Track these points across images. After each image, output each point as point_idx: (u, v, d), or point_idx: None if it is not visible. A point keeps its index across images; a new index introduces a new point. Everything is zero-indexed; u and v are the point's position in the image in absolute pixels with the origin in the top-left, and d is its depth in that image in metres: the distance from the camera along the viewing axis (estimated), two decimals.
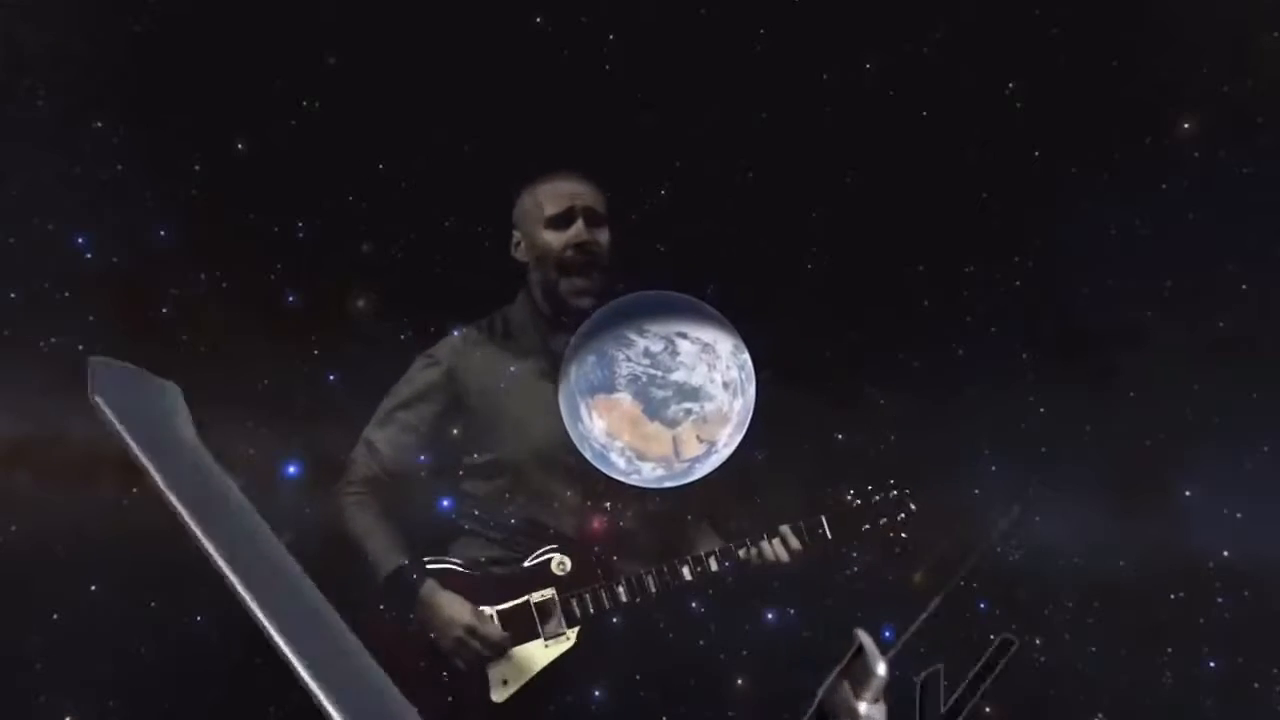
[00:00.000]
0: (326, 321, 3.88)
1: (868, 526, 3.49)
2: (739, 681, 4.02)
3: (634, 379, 2.73)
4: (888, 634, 4.06)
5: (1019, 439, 4.11)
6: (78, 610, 3.72)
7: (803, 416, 4.08)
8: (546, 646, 3.32)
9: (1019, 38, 4.05)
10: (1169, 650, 4.02)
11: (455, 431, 3.40)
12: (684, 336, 2.25)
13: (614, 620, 3.40)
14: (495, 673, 3.31)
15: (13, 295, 3.76)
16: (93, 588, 3.76)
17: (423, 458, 3.42)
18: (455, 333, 3.49)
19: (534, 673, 3.31)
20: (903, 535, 3.52)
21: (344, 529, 3.36)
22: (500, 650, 3.31)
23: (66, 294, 3.79)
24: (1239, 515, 3.97)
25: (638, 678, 3.92)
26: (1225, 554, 3.98)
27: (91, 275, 3.80)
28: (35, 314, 3.77)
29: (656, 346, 2.48)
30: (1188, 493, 4.01)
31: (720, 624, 4.00)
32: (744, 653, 4.03)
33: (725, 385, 2.47)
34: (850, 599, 4.08)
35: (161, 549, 3.72)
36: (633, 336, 2.56)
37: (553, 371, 3.41)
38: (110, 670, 3.74)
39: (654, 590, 3.35)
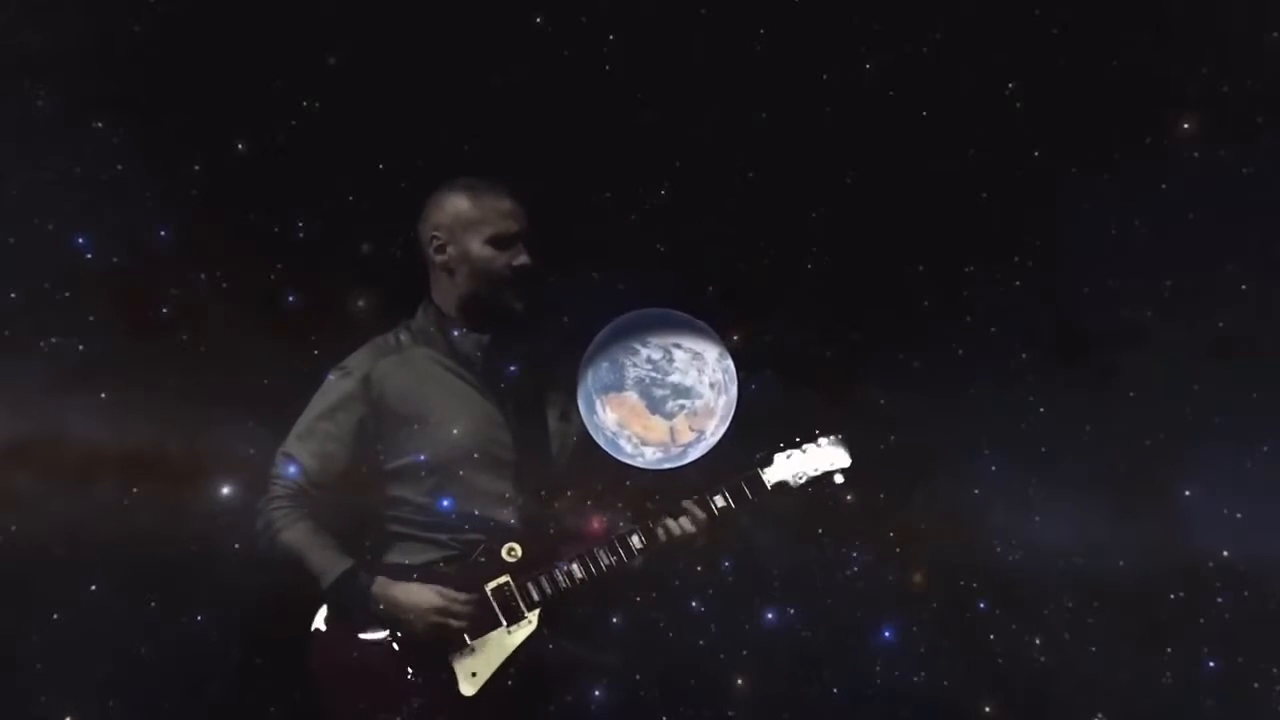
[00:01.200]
0: (326, 321, 3.88)
1: (801, 477, 3.44)
2: (739, 681, 4.03)
3: (639, 380, 3.12)
4: (888, 633, 4.11)
5: (1019, 439, 4.12)
6: (78, 610, 3.72)
7: (803, 416, 4.08)
8: (510, 633, 3.32)
9: (1019, 38, 4.05)
10: (1169, 650, 4.03)
11: (380, 438, 3.39)
12: (678, 346, 2.66)
13: (614, 620, 3.40)
14: (462, 666, 3.30)
15: (13, 295, 3.76)
16: (93, 588, 3.76)
17: (380, 444, 3.41)
18: (362, 348, 3.48)
19: (501, 662, 3.30)
20: (837, 480, 3.48)
21: (276, 545, 3.31)
22: (473, 619, 3.30)
23: (67, 294, 3.79)
24: (1239, 515, 3.98)
25: (638, 677, 3.93)
26: (1225, 554, 3.98)
27: (92, 275, 3.79)
28: (36, 314, 3.77)
29: (656, 355, 2.89)
30: (1187, 492, 4.01)
31: (720, 624, 4.01)
32: (744, 653, 4.04)
33: (711, 385, 2.82)
34: (850, 599, 4.10)
35: (161, 549, 3.77)
36: (637, 347, 2.92)
37: (464, 369, 3.44)
38: (110, 670, 3.75)
39: (608, 563, 3.33)
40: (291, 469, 3.36)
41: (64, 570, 3.72)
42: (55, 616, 3.74)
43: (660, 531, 3.37)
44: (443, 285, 3.50)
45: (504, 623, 3.32)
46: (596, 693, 3.58)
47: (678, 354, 2.57)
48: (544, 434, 3.48)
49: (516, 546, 3.36)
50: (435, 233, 3.48)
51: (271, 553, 3.34)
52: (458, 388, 3.44)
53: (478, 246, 3.43)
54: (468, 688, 3.29)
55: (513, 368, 3.48)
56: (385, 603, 3.28)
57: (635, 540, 3.36)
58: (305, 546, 3.31)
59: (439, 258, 3.47)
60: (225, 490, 3.67)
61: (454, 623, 3.28)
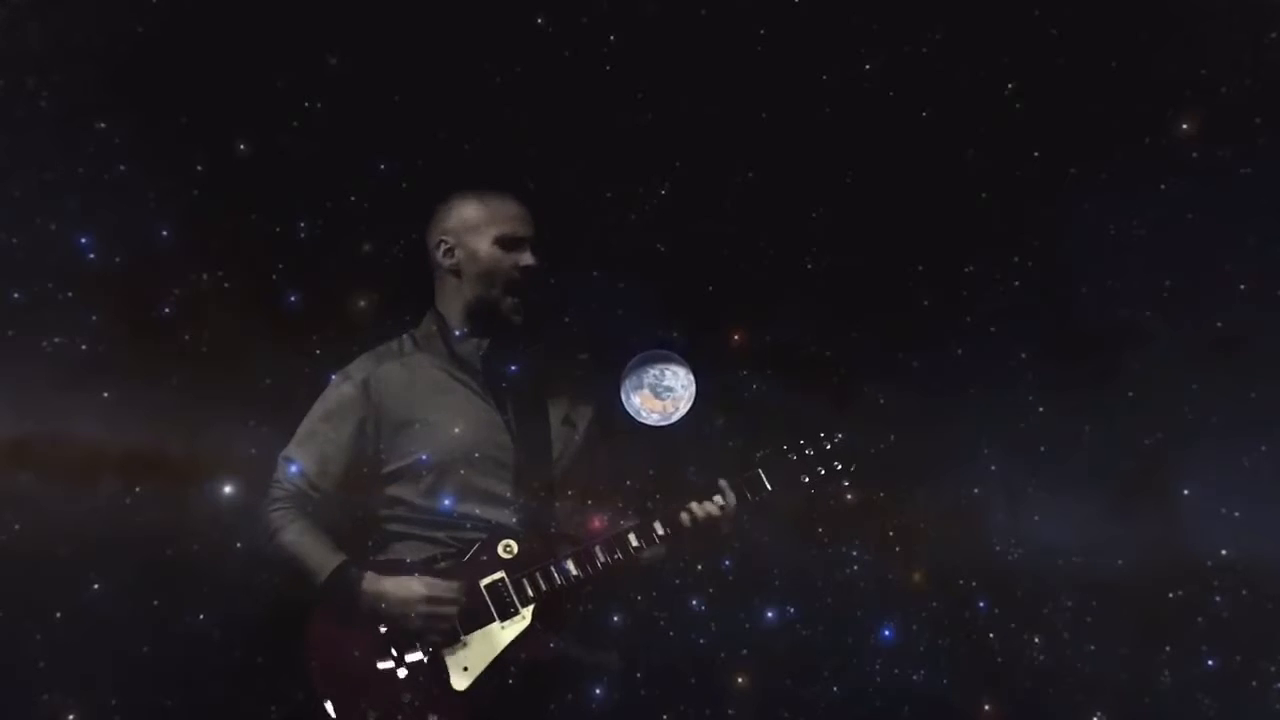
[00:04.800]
0: (327, 321, 3.89)
1: (805, 478, 3.49)
2: (739, 680, 4.04)
3: (650, 383, 3.67)
4: (888, 633, 4.11)
5: (1019, 439, 4.12)
6: (80, 609, 3.73)
7: (803, 417, 4.09)
8: (503, 628, 3.34)
9: (1019, 38, 4.05)
10: (1167, 649, 4.03)
11: (379, 440, 3.43)
12: (668, 368, 3.60)
13: (614, 619, 3.41)
14: (455, 660, 3.32)
15: (15, 295, 3.77)
16: (95, 586, 3.76)
17: (380, 446, 3.43)
18: (364, 354, 3.55)
19: (494, 656, 3.32)
20: (843, 482, 3.54)
21: (274, 545, 3.37)
22: (465, 611, 3.32)
23: (69, 294, 3.79)
24: (1237, 514, 3.98)
25: (638, 677, 3.93)
26: (1223, 553, 3.98)
27: (94, 275, 3.80)
28: (38, 314, 3.78)
29: (657, 371, 3.61)
30: (1186, 492, 4.02)
31: (720, 622, 4.01)
32: (744, 652, 4.05)
33: (683, 387, 3.60)
34: (850, 598, 4.10)
35: (163, 548, 3.77)
36: (649, 367, 3.59)
37: (464, 375, 3.48)
38: (112, 669, 3.75)
39: (603, 560, 3.35)
40: (292, 471, 3.41)
41: (66, 569, 3.72)
42: (58, 615, 3.75)
43: (657, 530, 3.39)
44: (449, 290, 3.53)
45: (496, 618, 3.34)
46: (597, 691, 3.59)
47: (667, 371, 3.58)
48: (545, 436, 3.51)
49: (513, 543, 3.38)
50: (443, 237, 3.52)
51: (271, 553, 3.39)
52: (457, 391, 3.47)
53: (485, 246, 3.48)
54: (460, 681, 3.31)
55: (513, 369, 3.51)
56: (375, 596, 3.30)
57: (632, 538, 3.38)
58: (301, 546, 3.35)
59: (447, 261, 3.50)
60: (227, 489, 3.68)
61: (443, 610, 3.30)
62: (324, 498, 3.41)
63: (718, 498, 3.44)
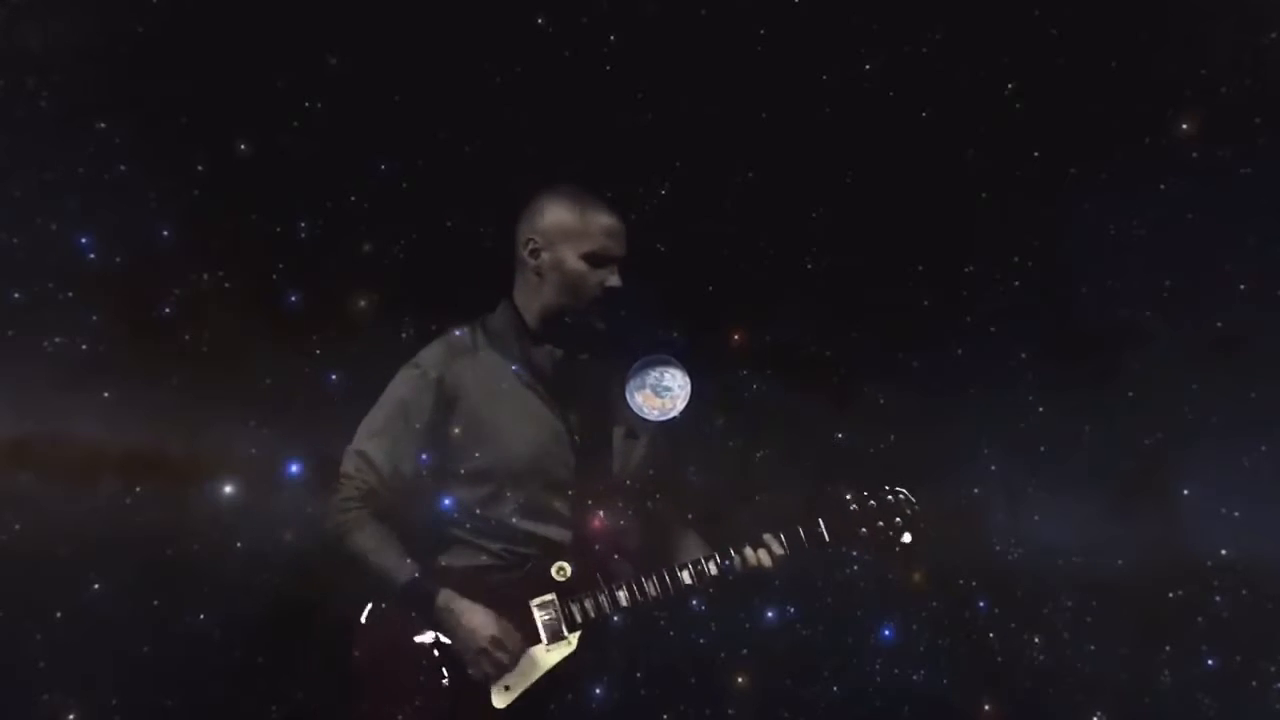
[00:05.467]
0: (328, 321, 3.89)
1: (865, 530, 3.46)
2: (739, 680, 4.04)
3: (654, 384, 3.51)
4: (887, 632, 4.11)
5: (1019, 439, 4.12)
6: (80, 609, 3.73)
7: (802, 416, 4.09)
8: (548, 651, 3.32)
9: (1019, 38, 4.05)
10: (1167, 649, 4.03)
11: (448, 441, 3.36)
12: (667, 369, 3.47)
13: (614, 619, 3.40)
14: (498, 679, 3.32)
15: (16, 295, 3.77)
16: (95, 586, 3.76)
17: (424, 457, 3.39)
18: (435, 343, 3.45)
19: (536, 678, 3.30)
20: (904, 538, 3.48)
21: (345, 545, 3.30)
22: (516, 662, 3.30)
23: (69, 294, 3.79)
24: (1237, 514, 3.98)
25: (638, 676, 3.93)
26: (1223, 553, 3.98)
27: (94, 275, 3.80)
28: (38, 314, 3.78)
29: (657, 373, 3.49)
30: (1186, 492, 4.02)
31: (720, 623, 4.01)
32: (744, 652, 4.05)
33: (680, 388, 3.46)
34: (850, 598, 4.10)
35: (163, 548, 3.78)
36: (649, 370, 3.47)
37: (536, 382, 3.42)
38: (112, 669, 3.75)
39: (654, 594, 3.34)
40: (364, 467, 3.34)
41: (66, 569, 3.72)
42: (58, 615, 3.75)
43: (710, 571, 3.38)
44: (528, 288, 3.45)
45: (544, 640, 3.33)
46: (597, 691, 3.59)
47: (666, 372, 3.47)
48: (608, 452, 3.46)
49: (566, 566, 3.35)
50: (533, 236, 3.42)
51: (339, 552, 3.32)
52: (529, 401, 3.41)
53: (573, 260, 3.39)
54: (500, 700, 3.29)
55: (582, 384, 3.46)
56: (446, 614, 3.27)
57: (685, 576, 3.38)
58: (376, 549, 3.29)
59: (532, 261, 3.41)
60: (227, 489, 3.68)
61: (501, 655, 3.27)
62: (393, 496, 3.34)
63: (774, 544, 3.41)
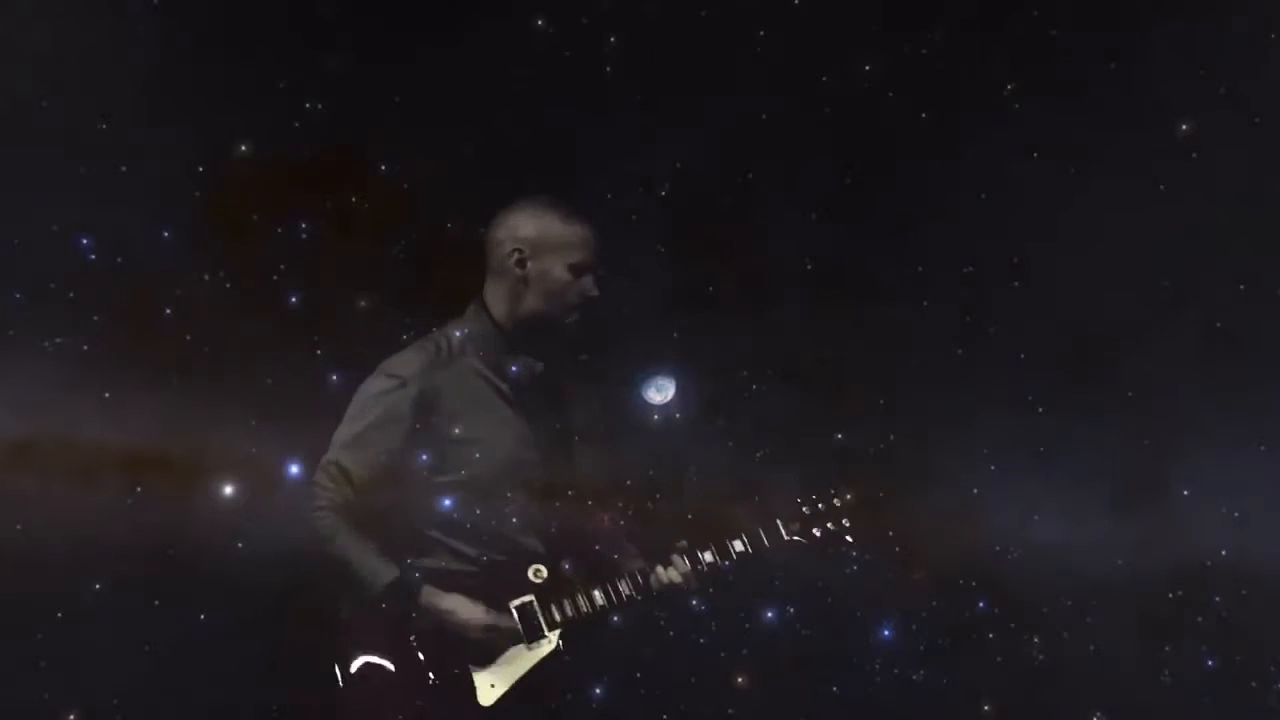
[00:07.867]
0: (328, 321, 3.89)
1: (797, 538, 3.50)
2: (739, 680, 4.04)
3: (656, 386, 3.84)
4: (887, 632, 4.12)
5: (1019, 439, 4.13)
6: (80, 609, 3.73)
7: (803, 416, 4.09)
8: (530, 649, 3.36)
9: (1019, 38, 4.05)
10: (1167, 648, 4.04)
11: (424, 450, 3.38)
12: (660, 375, 3.74)
13: (614, 619, 3.41)
14: (482, 677, 3.34)
15: (17, 295, 3.77)
16: (96, 586, 3.77)
17: (425, 457, 3.40)
18: (408, 350, 3.47)
19: (519, 676, 3.35)
20: (846, 539, 3.52)
21: (322, 550, 3.32)
22: (503, 636, 3.35)
23: (70, 294, 3.79)
24: (1236, 514, 3.98)
25: (638, 676, 3.94)
26: (1223, 553, 3.99)
27: (95, 276, 3.80)
28: (39, 314, 3.78)
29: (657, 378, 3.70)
30: (1185, 492, 4.02)
31: (720, 622, 4.02)
32: (744, 651, 4.05)
33: (669, 387, 3.77)
34: (850, 598, 4.10)
35: (164, 548, 3.78)
36: (650, 378, 3.76)
37: (510, 390, 3.46)
38: (112, 669, 3.76)
39: (627, 594, 3.39)
40: (339, 478, 3.34)
41: (67, 569, 3.72)
42: (59, 615, 3.75)
43: (674, 573, 3.43)
44: (506, 294, 3.48)
45: (525, 639, 3.35)
46: (597, 691, 3.59)
47: (660, 378, 3.80)
48: (569, 455, 3.53)
49: (542, 568, 3.40)
50: (519, 245, 3.46)
51: (325, 556, 3.33)
52: (500, 408, 3.44)
53: (560, 269, 3.44)
54: (486, 698, 3.33)
55: (555, 392, 3.52)
56: (432, 611, 3.30)
57: (654, 579, 3.43)
58: (355, 553, 3.30)
59: (518, 271, 3.45)
60: (227, 489, 3.68)
61: (494, 639, 3.34)
62: (368, 504, 3.35)
63: (735, 544, 3.46)
